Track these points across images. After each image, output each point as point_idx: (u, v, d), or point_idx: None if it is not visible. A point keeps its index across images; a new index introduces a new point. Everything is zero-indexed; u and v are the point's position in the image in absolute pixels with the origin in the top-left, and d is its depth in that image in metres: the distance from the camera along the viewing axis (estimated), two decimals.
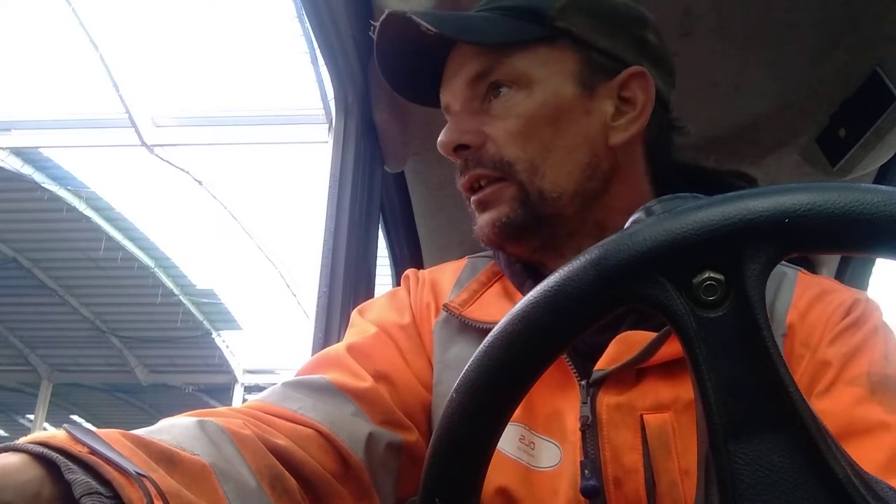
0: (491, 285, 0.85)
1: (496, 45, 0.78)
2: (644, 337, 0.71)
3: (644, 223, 0.40)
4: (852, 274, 1.83)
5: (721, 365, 0.38)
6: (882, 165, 1.49)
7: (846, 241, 0.38)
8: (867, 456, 0.57)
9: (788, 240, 0.38)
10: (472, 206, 0.82)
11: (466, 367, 0.43)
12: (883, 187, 0.38)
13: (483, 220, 0.81)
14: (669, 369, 0.70)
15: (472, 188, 0.81)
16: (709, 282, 0.38)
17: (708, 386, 0.38)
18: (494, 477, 0.73)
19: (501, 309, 0.78)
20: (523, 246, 0.81)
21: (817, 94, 1.44)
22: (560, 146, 0.78)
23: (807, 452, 0.37)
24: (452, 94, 0.83)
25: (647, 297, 0.39)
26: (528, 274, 0.82)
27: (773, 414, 0.38)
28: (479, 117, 0.80)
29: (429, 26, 0.75)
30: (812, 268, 0.81)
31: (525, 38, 0.79)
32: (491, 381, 0.43)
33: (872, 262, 1.85)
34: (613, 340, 0.73)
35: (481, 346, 0.43)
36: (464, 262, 0.93)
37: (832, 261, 1.80)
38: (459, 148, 0.80)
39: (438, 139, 0.81)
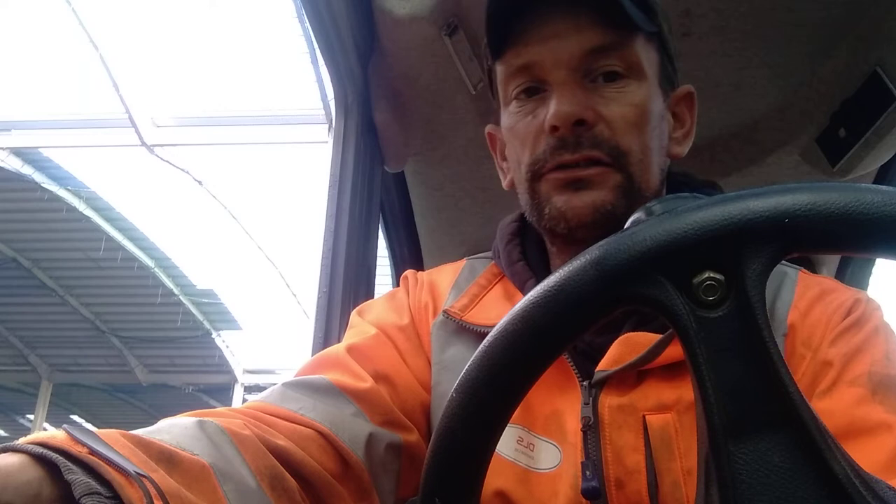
0: (491, 288, 0.85)
1: (632, 26, 0.74)
2: (646, 339, 0.71)
3: (644, 223, 0.40)
4: (852, 274, 1.83)
5: (721, 365, 0.38)
6: (882, 165, 1.49)
7: (846, 241, 0.38)
8: (868, 456, 0.57)
9: (788, 240, 0.38)
10: (555, 182, 0.75)
11: (466, 366, 0.43)
12: (883, 187, 0.38)
13: (580, 199, 0.74)
14: (671, 370, 0.70)
15: (565, 165, 0.75)
16: (709, 282, 0.38)
17: (708, 386, 0.38)
18: (492, 479, 0.73)
19: (501, 312, 0.78)
20: (596, 235, 0.78)
21: (817, 94, 1.44)
22: (656, 146, 0.78)
23: (807, 452, 0.37)
24: (555, 57, 0.75)
25: (648, 297, 0.39)
26: (531, 273, 0.82)
27: (773, 414, 0.38)
28: (590, 95, 0.75)
29: None
30: (812, 268, 0.82)
31: (647, 29, 0.76)
32: (491, 381, 0.42)
33: (872, 262, 1.85)
34: (615, 342, 0.72)
35: (481, 346, 0.43)
36: (462, 263, 0.93)
37: (832, 261, 1.80)
38: (579, 122, 0.74)
39: (557, 108, 0.73)
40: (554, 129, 0.74)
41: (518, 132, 0.79)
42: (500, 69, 0.81)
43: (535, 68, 0.77)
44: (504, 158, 0.87)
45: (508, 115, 0.81)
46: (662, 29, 0.79)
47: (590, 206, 0.74)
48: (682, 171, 0.87)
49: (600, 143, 0.74)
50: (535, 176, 0.77)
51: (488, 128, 0.90)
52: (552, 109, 0.74)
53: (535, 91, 0.78)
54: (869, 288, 1.90)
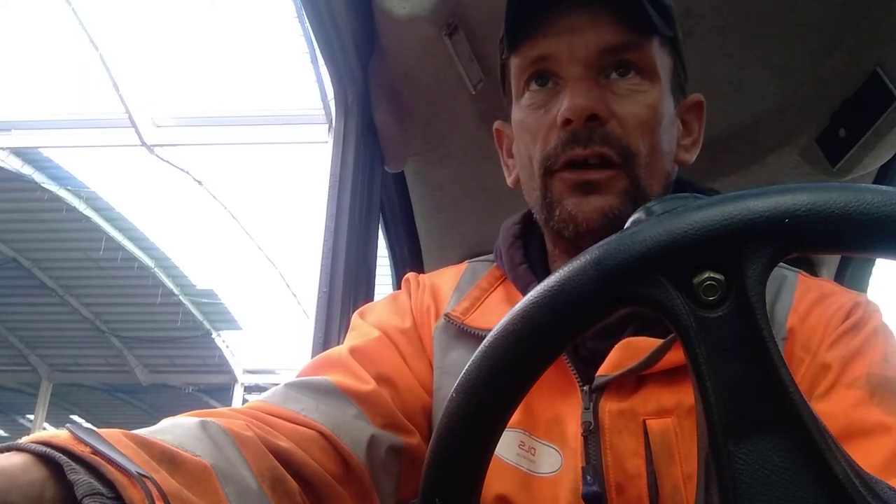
0: (493, 291, 0.85)
1: (650, 28, 0.74)
2: (647, 344, 0.71)
3: (644, 223, 0.40)
4: (852, 274, 1.83)
5: (721, 365, 0.38)
6: (882, 165, 1.49)
7: (846, 241, 0.38)
8: (866, 457, 0.57)
9: (788, 240, 0.38)
10: (567, 183, 0.75)
11: (467, 366, 0.43)
12: (883, 187, 0.38)
13: (589, 204, 0.74)
14: (671, 375, 0.70)
15: (575, 163, 0.74)
16: (709, 282, 0.38)
17: (708, 386, 0.38)
18: (494, 484, 0.73)
19: (503, 315, 0.77)
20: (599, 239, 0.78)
21: (817, 94, 1.44)
22: (663, 150, 0.77)
23: (807, 452, 0.37)
24: (571, 50, 0.75)
25: (648, 297, 0.39)
26: (534, 276, 0.82)
27: (773, 414, 0.38)
28: (604, 92, 0.75)
29: None
30: (812, 268, 0.82)
31: (664, 33, 0.76)
32: (491, 381, 0.43)
33: (872, 263, 1.84)
34: (616, 346, 0.72)
35: (481, 345, 0.43)
36: (464, 266, 0.93)
37: (832, 261, 1.80)
38: (592, 117, 0.73)
39: (571, 102, 0.73)
40: (567, 122, 0.74)
41: (529, 126, 0.78)
42: (514, 62, 0.80)
43: (550, 61, 0.76)
44: (510, 155, 0.87)
45: (520, 109, 0.80)
46: (678, 35, 0.79)
47: (598, 211, 0.74)
48: (688, 179, 0.87)
49: (611, 140, 0.74)
50: (548, 172, 0.76)
51: (496, 124, 0.90)
52: (566, 103, 0.73)
53: (548, 84, 0.77)
54: (869, 288, 1.90)
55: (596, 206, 0.74)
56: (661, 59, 0.77)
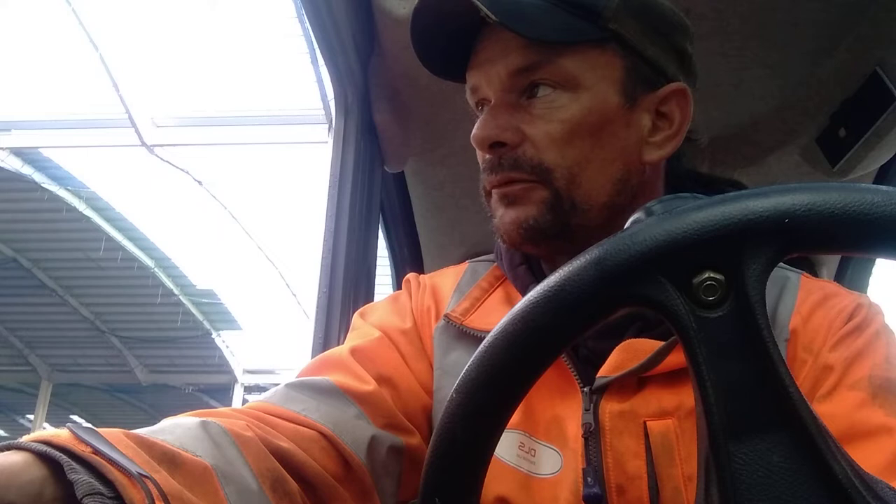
0: (493, 291, 0.85)
1: (555, 40, 0.73)
2: (648, 345, 0.71)
3: (644, 223, 0.40)
4: (852, 275, 1.83)
5: (721, 365, 0.38)
6: (882, 165, 1.49)
7: (846, 241, 0.38)
8: (868, 458, 0.57)
9: (788, 240, 0.38)
10: (495, 197, 0.78)
11: (466, 366, 0.43)
12: (883, 187, 0.38)
13: (508, 216, 0.76)
14: (672, 376, 0.70)
15: (499, 183, 0.77)
16: (709, 282, 0.38)
17: (708, 386, 0.38)
18: (493, 485, 0.73)
19: (503, 316, 0.77)
20: (541, 249, 0.79)
21: (817, 94, 1.43)
22: (598, 158, 0.75)
23: (807, 452, 0.37)
24: (487, 79, 0.77)
25: (648, 297, 0.39)
26: (533, 277, 0.82)
27: (773, 414, 0.38)
28: (517, 114, 0.75)
29: (489, 13, 0.70)
30: (812, 268, 0.82)
31: (581, 39, 0.74)
32: (491, 381, 0.43)
33: (872, 263, 1.84)
34: (617, 348, 0.72)
35: (481, 345, 0.43)
36: (464, 266, 0.92)
37: (832, 261, 1.80)
38: (496, 145, 0.75)
39: (473, 132, 0.76)
40: (481, 150, 0.77)
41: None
42: None
43: (478, 90, 0.79)
44: None
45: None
46: (623, 32, 0.74)
47: (514, 222, 0.75)
48: (709, 173, 0.86)
49: (521, 163, 0.74)
50: (486, 191, 0.80)
51: None
52: (472, 132, 0.76)
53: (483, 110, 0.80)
54: (869, 289, 1.90)
55: (513, 217, 0.76)
56: (594, 65, 0.74)
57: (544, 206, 0.74)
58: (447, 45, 0.79)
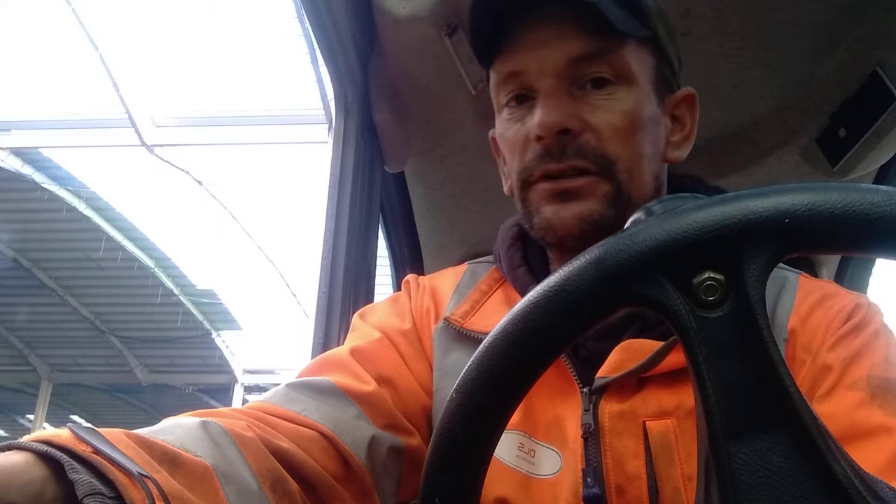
0: (492, 293, 0.85)
1: (618, 32, 0.72)
2: (647, 346, 0.71)
3: (644, 223, 0.40)
4: (852, 275, 1.83)
5: (721, 365, 0.38)
6: (882, 165, 1.49)
7: (846, 241, 0.38)
8: (868, 458, 0.57)
9: (788, 240, 0.38)
10: (543, 192, 0.75)
11: (466, 367, 0.43)
12: (883, 187, 0.38)
13: (567, 211, 0.74)
14: (671, 376, 0.70)
15: (552, 175, 0.75)
16: (709, 282, 0.39)
17: (708, 386, 0.38)
18: (493, 486, 0.73)
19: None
20: (589, 244, 0.77)
21: (817, 94, 1.44)
22: (647, 153, 0.77)
23: (807, 452, 0.37)
24: (540, 65, 0.74)
25: (648, 297, 0.39)
26: (533, 278, 0.82)
27: (772, 414, 0.38)
28: (577, 103, 0.74)
29: None
30: (812, 268, 0.82)
31: (636, 34, 0.74)
32: (491, 381, 0.43)
33: (872, 263, 1.84)
34: (616, 348, 0.72)
35: (481, 345, 0.43)
36: (463, 267, 0.93)
37: (832, 261, 1.80)
38: (563, 132, 0.74)
39: (540, 118, 0.73)
40: (539, 138, 0.74)
41: (508, 140, 0.79)
42: (491, 75, 0.81)
43: (522, 76, 0.76)
44: (505, 163, 0.88)
45: (501, 123, 0.81)
46: (657, 33, 0.77)
47: (577, 216, 0.74)
48: (691, 174, 0.87)
49: (586, 152, 0.74)
50: (525, 184, 0.77)
51: (491, 132, 0.90)
52: (536, 119, 0.74)
53: (524, 98, 0.77)
54: (869, 289, 1.90)
55: (574, 211, 0.74)
56: (640, 61, 0.76)
57: (607, 200, 0.74)
58: (492, 25, 0.76)
